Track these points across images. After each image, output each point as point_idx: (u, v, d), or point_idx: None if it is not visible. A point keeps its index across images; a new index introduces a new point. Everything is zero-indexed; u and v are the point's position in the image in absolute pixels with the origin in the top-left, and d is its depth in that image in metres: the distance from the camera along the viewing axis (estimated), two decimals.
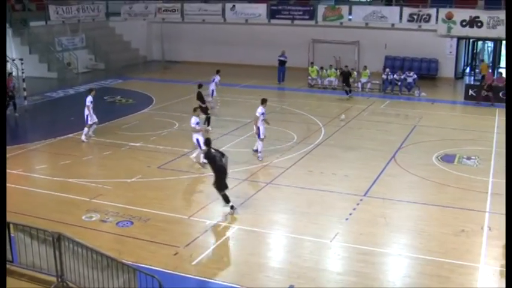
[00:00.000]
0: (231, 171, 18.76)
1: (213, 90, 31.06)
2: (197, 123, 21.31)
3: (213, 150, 17.16)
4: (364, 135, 25.75)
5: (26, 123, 29.58)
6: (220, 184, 16.85)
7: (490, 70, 38.02)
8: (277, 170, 20.69)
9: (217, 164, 16.85)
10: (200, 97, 26.32)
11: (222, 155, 17.10)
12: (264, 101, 22.38)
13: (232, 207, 16.81)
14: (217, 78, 31.62)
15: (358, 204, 17.60)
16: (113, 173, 20.70)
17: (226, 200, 16.86)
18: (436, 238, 15.24)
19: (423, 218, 16.68)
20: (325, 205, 17.65)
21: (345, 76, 34.20)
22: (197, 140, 20.90)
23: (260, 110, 21.94)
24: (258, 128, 21.98)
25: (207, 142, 17.39)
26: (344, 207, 17.33)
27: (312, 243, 14.98)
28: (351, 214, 16.82)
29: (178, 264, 13.74)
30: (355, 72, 36.63)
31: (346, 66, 35.32)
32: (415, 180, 19.86)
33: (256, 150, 22.36)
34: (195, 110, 22.28)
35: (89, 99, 24.49)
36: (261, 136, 22.00)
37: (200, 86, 26.72)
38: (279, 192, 18.82)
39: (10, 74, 32.40)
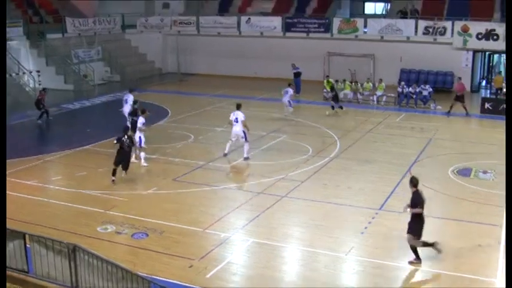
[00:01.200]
0: (246, 183, 18.81)
1: (289, 101, 31.71)
2: (143, 124, 22.86)
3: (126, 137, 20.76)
4: (380, 149, 25.66)
5: (42, 134, 29.77)
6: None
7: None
8: (292, 183, 20.66)
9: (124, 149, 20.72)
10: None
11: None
12: (239, 106, 24.40)
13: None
14: (291, 91, 32.13)
15: (373, 217, 17.53)
16: (128, 185, 20.74)
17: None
18: (452, 252, 15.12)
19: (439, 232, 16.56)
20: (340, 219, 17.60)
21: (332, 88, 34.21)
22: (139, 138, 22.78)
23: (242, 115, 23.58)
24: (244, 132, 23.50)
25: (125, 129, 21.24)
26: (359, 221, 17.26)
27: (327, 257, 14.91)
28: (366, 228, 16.75)
29: (193, 277, 13.72)
30: (371, 84, 36.56)
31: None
32: (431, 194, 19.68)
33: (248, 158, 23.38)
34: (143, 111, 23.42)
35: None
36: (248, 139, 23.60)
37: (132, 90, 27.88)
38: (294, 205, 18.78)
39: (44, 89, 32.72)
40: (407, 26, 40.95)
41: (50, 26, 44.97)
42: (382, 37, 41.48)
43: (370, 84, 36.66)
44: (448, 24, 39.70)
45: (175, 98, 37.08)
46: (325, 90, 37.08)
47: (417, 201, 14.44)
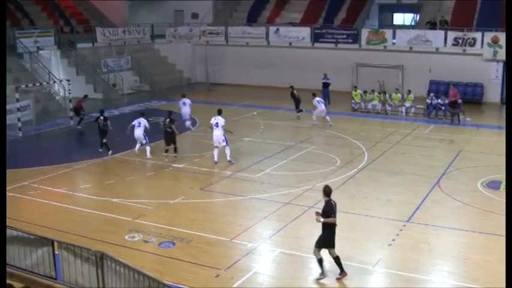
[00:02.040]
0: (274, 194, 18.86)
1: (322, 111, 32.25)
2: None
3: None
4: (408, 160, 25.48)
5: (71, 142, 30.03)
6: None
7: None
8: (320, 193, 20.43)
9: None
10: None
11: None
12: (220, 111, 25.65)
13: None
14: (317, 99, 32.58)
15: (401, 229, 17.41)
16: (156, 193, 20.86)
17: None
18: (482, 266, 14.96)
19: (468, 246, 16.41)
20: (368, 230, 17.51)
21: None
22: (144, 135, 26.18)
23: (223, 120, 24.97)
24: (224, 136, 24.79)
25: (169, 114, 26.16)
26: (387, 233, 17.16)
27: (354, 269, 14.80)
28: (394, 240, 16.63)
29: (219, 287, 13.72)
30: (400, 95, 36.36)
31: (292, 86, 35.94)
32: (460, 207, 19.57)
33: (231, 161, 24.57)
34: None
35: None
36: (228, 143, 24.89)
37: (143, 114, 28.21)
38: None
39: (85, 96, 33.08)
40: (436, 37, 40.71)
41: (80, 35, 45.50)
42: (411, 48, 41.27)
43: (399, 95, 36.46)
44: (477, 35, 39.38)
45: (203, 107, 37.10)
46: (353, 101, 36.96)
47: (330, 211, 14.19)
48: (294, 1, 51.10)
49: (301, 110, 34.68)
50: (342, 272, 14.33)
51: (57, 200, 20.23)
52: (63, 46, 42.67)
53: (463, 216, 18.86)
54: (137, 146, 26.43)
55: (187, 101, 32.38)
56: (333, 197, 18.44)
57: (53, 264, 13.35)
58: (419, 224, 17.79)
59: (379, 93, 36.92)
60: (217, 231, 17.22)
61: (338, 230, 17.34)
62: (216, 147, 24.80)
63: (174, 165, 24.47)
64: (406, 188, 21.44)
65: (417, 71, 40.43)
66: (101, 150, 26.56)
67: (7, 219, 16.86)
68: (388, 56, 41.15)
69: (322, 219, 14.06)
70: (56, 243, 13.33)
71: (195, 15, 52.08)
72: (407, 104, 35.79)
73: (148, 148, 26.06)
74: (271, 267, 15.16)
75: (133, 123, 26.55)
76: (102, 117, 26.96)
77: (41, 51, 40.51)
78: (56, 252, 13.31)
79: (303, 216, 18.45)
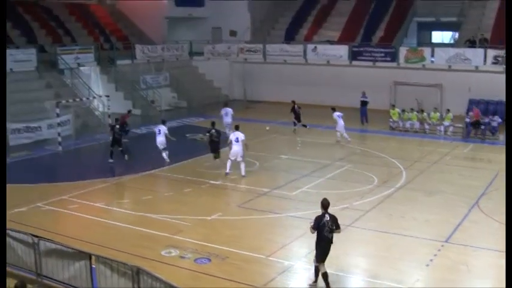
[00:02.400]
0: (311, 212, 18.77)
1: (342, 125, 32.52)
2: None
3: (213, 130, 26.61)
4: (447, 180, 25.17)
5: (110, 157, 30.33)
6: None
7: None
8: (357, 212, 20.46)
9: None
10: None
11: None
12: (237, 127, 26.84)
13: None
14: (336, 113, 32.84)
15: (439, 250, 17.18)
16: (193, 210, 20.90)
17: None
18: None
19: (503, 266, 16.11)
20: (405, 250, 17.31)
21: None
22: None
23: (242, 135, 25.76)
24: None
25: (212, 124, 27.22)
26: (425, 253, 16.95)
27: None
28: (431, 260, 16.42)
29: None
30: (438, 114, 36.03)
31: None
32: (499, 227, 19.20)
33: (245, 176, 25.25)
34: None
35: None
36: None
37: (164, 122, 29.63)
38: (358, 235, 18.57)
39: (129, 111, 33.51)
40: (475, 55, 40.28)
41: (120, 52, 46.17)
42: (449, 66, 40.89)
43: (437, 114, 36.14)
44: None
45: (241, 124, 37.09)
46: (391, 119, 36.73)
47: (313, 222, 14.36)
48: (332, 19, 51.15)
49: (304, 125, 35.57)
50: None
51: (95, 215, 20.43)
52: (103, 62, 43.29)
53: (502, 237, 18.53)
54: (163, 154, 28.01)
55: (229, 110, 33.73)
56: (370, 215, 18.36)
57: (89, 278, 13.44)
58: (458, 245, 17.55)
59: (418, 112, 36.62)
60: (254, 248, 17.19)
61: (374, 249, 17.33)
62: (231, 160, 25.25)
63: (211, 181, 24.55)
64: (444, 208, 21.17)
65: (456, 89, 40.01)
66: (111, 160, 28.10)
67: (46, 232, 17.15)
68: (427, 75, 40.86)
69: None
70: (93, 257, 13.44)
71: (233, 33, 52.39)
72: (446, 123, 35.43)
73: (166, 152, 27.96)
74: (308, 286, 15.04)
75: (155, 129, 28.71)
76: (117, 126, 28.81)
77: (81, 68, 41.10)
78: (93, 266, 13.41)
79: (339, 235, 18.28)
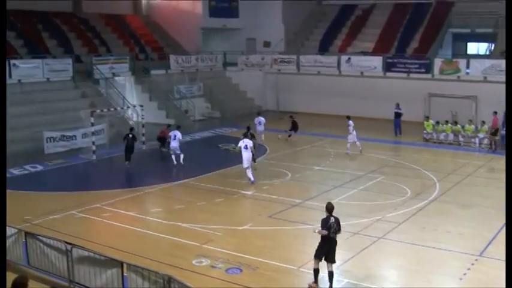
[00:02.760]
0: (343, 223, 18.71)
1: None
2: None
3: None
4: (481, 193, 24.85)
5: (143, 167, 30.54)
6: None
7: None
8: (389, 224, 20.30)
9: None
10: None
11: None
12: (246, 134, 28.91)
13: None
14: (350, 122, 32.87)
15: (473, 264, 16.95)
16: (224, 219, 20.93)
17: None
18: None
19: None
20: (437, 263, 17.11)
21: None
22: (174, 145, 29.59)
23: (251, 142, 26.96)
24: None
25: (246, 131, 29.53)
26: (458, 267, 16.73)
27: None
28: (465, 274, 16.20)
29: None
30: (473, 126, 35.66)
31: (291, 117, 37.76)
32: None
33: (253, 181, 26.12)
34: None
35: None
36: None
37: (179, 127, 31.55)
38: (391, 247, 18.42)
39: (169, 125, 34.16)
40: None
41: (154, 62, 46.66)
42: (485, 78, 40.42)
43: (472, 126, 35.76)
44: None
45: (273, 135, 37.26)
46: (425, 131, 36.42)
47: (322, 224, 15.10)
48: (366, 30, 51.07)
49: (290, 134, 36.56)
50: (315, 283, 15.16)
51: (127, 223, 20.57)
52: (138, 72, 43.75)
53: None
54: (174, 157, 29.55)
55: (262, 119, 34.70)
56: (403, 227, 18.23)
57: (121, 286, 13.51)
58: (492, 259, 17.28)
59: (452, 124, 36.26)
60: (285, 259, 17.15)
61: (406, 262, 17.18)
62: (248, 167, 25.86)
63: (243, 191, 24.58)
64: (478, 221, 20.89)
65: (492, 101, 39.44)
66: (127, 163, 29.22)
67: (79, 239, 17.31)
68: (462, 86, 40.47)
69: (316, 231, 15.35)
70: (125, 265, 13.52)
71: (267, 44, 52.56)
72: (481, 135, 35.01)
73: (182, 155, 29.32)
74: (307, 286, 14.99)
75: (170, 134, 30.19)
76: (131, 135, 29.58)
77: (116, 77, 41.54)
78: (125, 274, 13.49)
79: (371, 247, 18.21)
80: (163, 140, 32.45)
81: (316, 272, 15.16)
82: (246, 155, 25.98)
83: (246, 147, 26.01)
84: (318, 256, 15.18)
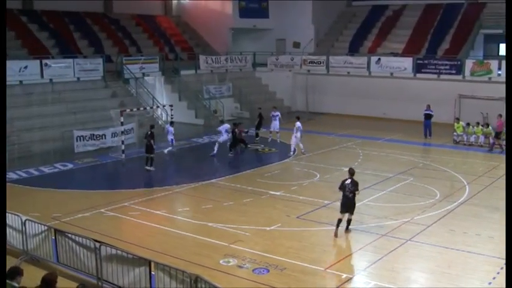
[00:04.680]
0: (371, 225, 18.62)
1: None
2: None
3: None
4: None
5: (172, 166, 30.72)
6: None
7: None
8: (418, 227, 20.15)
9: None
10: None
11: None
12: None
13: None
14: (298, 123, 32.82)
15: (502, 268, 16.69)
16: (252, 220, 20.95)
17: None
18: None
19: None
20: (467, 267, 16.93)
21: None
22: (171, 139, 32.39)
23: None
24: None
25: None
26: (487, 271, 16.53)
27: None
28: (494, 278, 16.00)
29: None
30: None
31: (260, 108, 38.66)
32: None
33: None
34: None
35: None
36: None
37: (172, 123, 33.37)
38: (419, 250, 18.27)
39: (240, 124, 34.54)
40: None
41: (184, 62, 46.90)
42: None
43: (481, 127, 35.34)
44: None
45: (303, 136, 37.22)
46: (455, 133, 36.08)
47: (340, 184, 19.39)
48: (396, 31, 50.77)
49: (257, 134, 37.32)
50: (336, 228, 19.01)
51: (155, 222, 20.68)
52: (167, 72, 43.96)
53: None
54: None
55: (277, 113, 36.34)
56: (432, 230, 18.19)
57: (148, 284, 13.58)
58: None
59: (483, 126, 35.87)
60: (312, 260, 17.11)
61: (434, 265, 17.08)
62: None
63: (271, 192, 24.56)
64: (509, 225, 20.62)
65: None
66: (147, 167, 28.81)
67: (108, 238, 17.46)
68: (493, 88, 39.89)
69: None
70: (152, 264, 13.59)
71: (296, 44, 52.44)
72: None
73: (170, 148, 32.10)
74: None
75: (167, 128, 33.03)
76: (149, 132, 29.29)
77: (146, 77, 41.78)
78: (153, 272, 13.55)
79: (399, 249, 18.09)
80: (243, 141, 32.79)
81: (339, 221, 18.99)
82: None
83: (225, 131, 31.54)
84: (340, 210, 19.18)
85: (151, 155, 28.65)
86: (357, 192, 19.00)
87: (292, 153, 31.71)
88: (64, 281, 14.94)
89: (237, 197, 24.12)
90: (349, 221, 19.24)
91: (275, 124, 35.76)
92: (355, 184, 18.94)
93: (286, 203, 23.02)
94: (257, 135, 36.73)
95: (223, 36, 53.14)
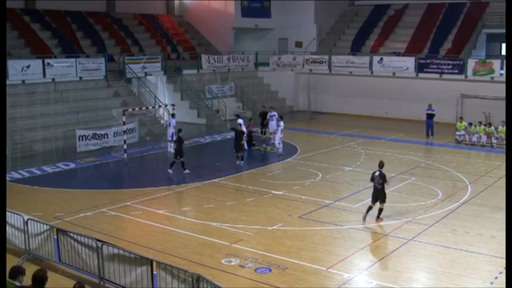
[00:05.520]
0: (373, 225, 18.58)
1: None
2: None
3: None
4: None
5: (174, 166, 30.72)
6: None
7: None
8: (420, 226, 20.15)
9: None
10: None
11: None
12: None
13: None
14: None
15: (505, 268, 16.72)
16: (254, 219, 20.95)
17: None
18: None
19: None
20: (468, 266, 16.92)
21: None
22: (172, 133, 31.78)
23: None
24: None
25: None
26: (489, 270, 16.53)
27: None
28: (496, 278, 15.99)
29: None
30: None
31: (264, 107, 38.66)
32: None
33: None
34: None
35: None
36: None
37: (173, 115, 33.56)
38: (421, 249, 18.26)
39: (250, 119, 35.07)
40: None
41: (186, 62, 46.92)
42: None
43: (483, 126, 35.29)
44: None
45: (305, 135, 37.22)
46: (457, 132, 36.06)
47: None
48: (398, 31, 50.73)
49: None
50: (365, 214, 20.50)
51: (157, 221, 20.69)
52: (170, 72, 43.95)
53: None
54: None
55: (275, 114, 35.82)
56: (434, 229, 18.20)
57: (150, 284, 13.60)
58: None
59: (485, 126, 35.84)
60: (314, 259, 17.12)
61: (437, 265, 17.08)
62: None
63: (274, 191, 24.56)
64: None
65: None
66: (184, 171, 27.88)
67: (110, 237, 17.49)
68: (496, 87, 39.88)
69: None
70: (154, 263, 13.60)
71: (299, 44, 52.47)
72: None
73: (171, 144, 31.26)
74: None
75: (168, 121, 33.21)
76: (178, 136, 28.35)
77: (148, 77, 41.79)
78: (155, 272, 13.57)
79: (401, 249, 18.09)
80: (251, 138, 33.51)
81: (369, 208, 20.47)
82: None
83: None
84: (371, 200, 20.63)
85: (181, 159, 27.95)
86: (386, 184, 20.42)
87: (281, 150, 31.97)
88: (66, 280, 14.99)
89: (239, 196, 24.14)
90: (380, 210, 20.53)
91: (272, 124, 35.80)
92: (382, 176, 20.32)
93: (288, 203, 23.02)
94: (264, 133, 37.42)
95: (225, 36, 53.15)
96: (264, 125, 37.34)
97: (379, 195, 20.40)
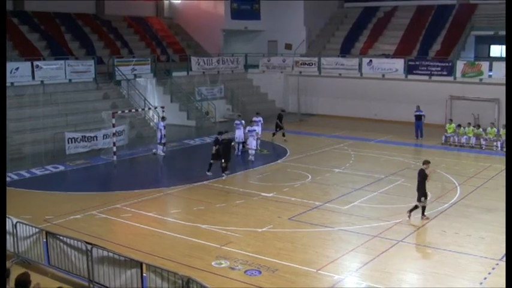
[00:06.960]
0: (363, 226, 18.60)
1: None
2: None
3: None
4: (502, 197, 24.40)
5: (163, 168, 30.68)
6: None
7: None
8: (410, 228, 20.20)
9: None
10: None
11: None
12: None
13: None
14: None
15: (493, 268, 16.79)
16: (244, 221, 20.95)
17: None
18: None
19: None
20: (458, 267, 16.97)
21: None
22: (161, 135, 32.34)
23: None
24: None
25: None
26: (478, 271, 16.58)
27: None
28: (485, 279, 16.05)
29: None
30: (495, 130, 35.34)
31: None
32: None
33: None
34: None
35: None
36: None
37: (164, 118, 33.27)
38: (411, 250, 18.33)
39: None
40: None
41: (175, 64, 46.90)
42: None
43: (495, 129, 35.44)
44: None
45: (294, 137, 37.20)
46: (446, 134, 36.17)
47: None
48: (388, 33, 50.81)
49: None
50: (423, 216, 21.03)
51: (147, 224, 20.64)
52: (159, 74, 43.91)
53: None
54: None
55: (160, 124, 33.06)
56: (423, 231, 18.26)
57: (140, 286, 13.57)
58: None
59: (474, 127, 35.97)
60: (304, 261, 17.12)
61: (426, 265, 17.13)
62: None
63: (263, 193, 24.56)
64: (500, 226, 20.53)
65: None
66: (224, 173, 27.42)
67: (99, 240, 17.43)
68: (484, 89, 40.12)
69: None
70: (144, 266, 13.58)
71: (288, 46, 52.50)
72: (503, 138, 34.71)
73: (160, 147, 32.21)
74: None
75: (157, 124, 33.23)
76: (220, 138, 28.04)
77: (137, 79, 41.72)
78: (144, 274, 13.54)
79: (391, 250, 18.12)
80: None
81: (415, 207, 21.10)
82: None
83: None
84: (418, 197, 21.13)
85: (224, 164, 27.40)
86: (426, 180, 21.05)
87: (252, 156, 31.42)
88: (55, 283, 14.92)
89: (229, 198, 24.13)
90: (415, 207, 21.02)
91: (239, 134, 34.42)
92: (418, 172, 21.36)
93: (278, 205, 23.02)
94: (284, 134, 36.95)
95: (215, 38, 53.13)
96: (281, 127, 36.91)
97: (418, 192, 21.03)
